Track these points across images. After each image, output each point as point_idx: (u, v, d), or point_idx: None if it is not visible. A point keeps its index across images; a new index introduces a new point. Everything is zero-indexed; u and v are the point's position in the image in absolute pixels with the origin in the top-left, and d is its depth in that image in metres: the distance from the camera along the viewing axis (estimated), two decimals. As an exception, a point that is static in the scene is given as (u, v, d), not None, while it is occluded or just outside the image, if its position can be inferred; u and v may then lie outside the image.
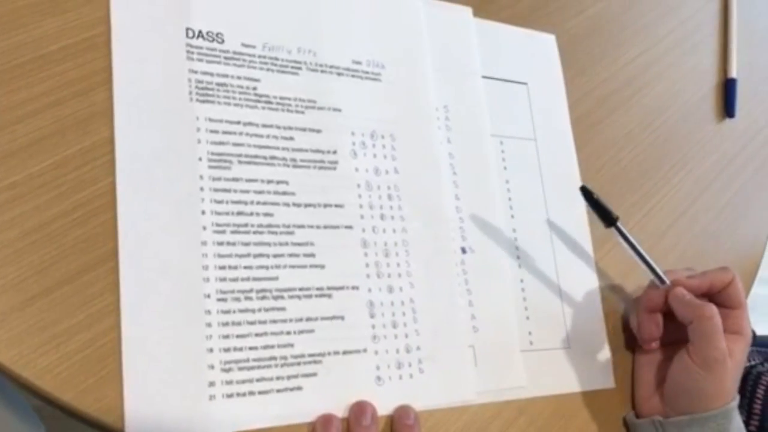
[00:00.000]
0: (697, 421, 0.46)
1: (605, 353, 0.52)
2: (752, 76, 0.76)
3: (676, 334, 0.49)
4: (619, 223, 0.48)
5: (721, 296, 0.48)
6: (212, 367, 0.37)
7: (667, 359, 0.49)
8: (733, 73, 0.73)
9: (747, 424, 0.63)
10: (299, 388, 0.40)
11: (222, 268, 0.39)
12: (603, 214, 0.48)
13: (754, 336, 0.63)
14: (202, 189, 0.40)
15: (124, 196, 0.37)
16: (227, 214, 0.40)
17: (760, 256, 0.70)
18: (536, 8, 0.60)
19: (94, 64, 0.39)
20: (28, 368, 0.33)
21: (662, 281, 0.48)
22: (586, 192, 0.48)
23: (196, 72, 0.42)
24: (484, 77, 0.54)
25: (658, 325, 0.49)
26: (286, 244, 0.41)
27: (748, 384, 0.65)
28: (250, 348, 0.39)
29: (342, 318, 0.42)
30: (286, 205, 0.42)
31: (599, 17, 0.64)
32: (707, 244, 0.64)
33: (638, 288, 0.56)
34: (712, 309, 0.45)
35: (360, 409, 0.40)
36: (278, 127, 0.43)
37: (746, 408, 0.64)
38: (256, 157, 0.42)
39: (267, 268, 0.40)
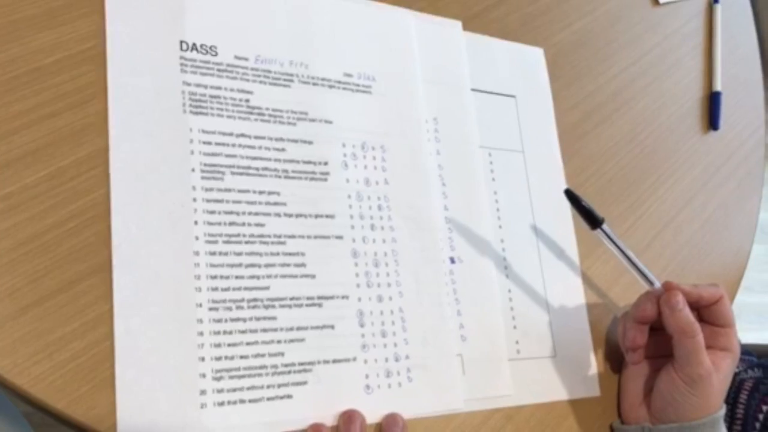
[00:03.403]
0: (685, 429, 0.46)
1: (591, 362, 0.53)
2: (736, 89, 0.77)
3: (663, 348, 0.49)
4: (604, 226, 0.47)
5: (711, 314, 0.49)
6: (203, 375, 0.38)
7: (654, 371, 0.50)
8: (718, 86, 0.74)
9: (730, 429, 0.64)
10: (289, 396, 0.40)
11: (214, 277, 0.40)
12: (588, 216, 0.47)
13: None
14: (194, 199, 0.40)
15: (118, 207, 0.38)
16: (219, 224, 0.41)
17: (744, 266, 0.71)
18: (525, 22, 0.61)
19: (88, 77, 0.39)
20: (22, 376, 0.34)
21: (651, 283, 0.48)
22: (570, 195, 0.48)
23: (189, 84, 0.42)
24: (473, 90, 0.55)
25: (644, 334, 0.49)
26: (278, 254, 0.42)
27: (731, 390, 0.66)
28: (241, 356, 0.39)
29: (332, 327, 0.43)
30: (278, 215, 0.43)
31: (586, 31, 0.66)
32: (692, 255, 0.65)
33: (624, 298, 0.57)
34: (696, 328, 0.46)
35: (349, 417, 0.41)
36: (270, 139, 0.44)
37: (729, 413, 0.65)
38: (248, 168, 0.43)
39: (258, 277, 0.41)
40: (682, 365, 0.46)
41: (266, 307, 0.41)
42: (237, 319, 0.40)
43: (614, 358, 0.54)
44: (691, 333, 0.45)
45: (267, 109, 0.45)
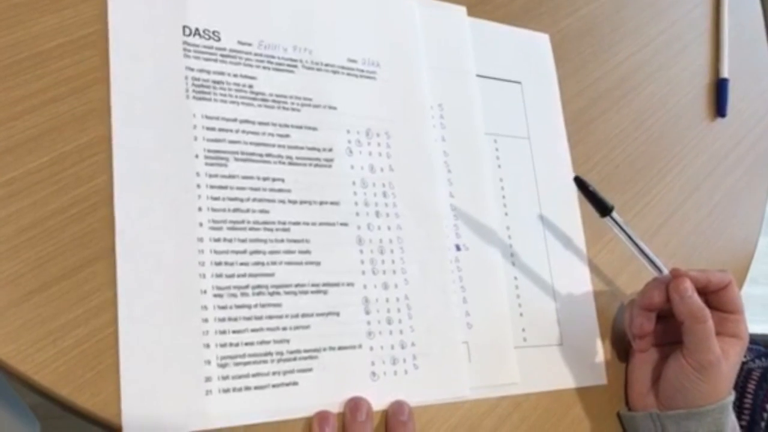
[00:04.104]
0: (694, 415, 0.46)
1: (598, 350, 0.53)
2: (743, 75, 0.76)
3: (671, 336, 0.49)
4: (614, 213, 0.47)
5: (719, 299, 0.48)
6: (208, 362, 0.38)
7: (661, 358, 0.50)
8: (725, 72, 0.74)
9: (738, 418, 0.64)
10: (295, 384, 0.40)
11: (218, 264, 0.39)
12: (598, 204, 0.47)
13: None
14: (198, 186, 0.40)
15: (121, 193, 0.38)
16: (223, 210, 0.40)
17: (751, 256, 0.70)
18: (530, 8, 0.60)
19: (91, 62, 0.39)
20: (26, 363, 0.34)
21: (659, 270, 0.48)
22: (580, 182, 0.47)
23: (192, 69, 0.42)
24: (478, 76, 0.54)
25: (651, 321, 0.49)
26: (282, 240, 0.42)
27: (739, 380, 0.66)
28: (246, 343, 0.39)
29: (337, 314, 0.42)
30: (282, 202, 0.42)
31: (592, 17, 0.65)
32: (699, 243, 0.65)
33: (631, 285, 0.57)
34: (706, 313, 0.45)
35: (355, 405, 0.40)
36: (274, 125, 0.44)
37: (737, 403, 0.64)
38: (252, 154, 0.42)
39: (263, 264, 0.41)
40: (691, 351, 0.46)
41: (271, 293, 0.41)
42: (242, 306, 0.39)
43: (621, 346, 0.54)
44: (702, 318, 0.45)
45: (271, 94, 0.44)
